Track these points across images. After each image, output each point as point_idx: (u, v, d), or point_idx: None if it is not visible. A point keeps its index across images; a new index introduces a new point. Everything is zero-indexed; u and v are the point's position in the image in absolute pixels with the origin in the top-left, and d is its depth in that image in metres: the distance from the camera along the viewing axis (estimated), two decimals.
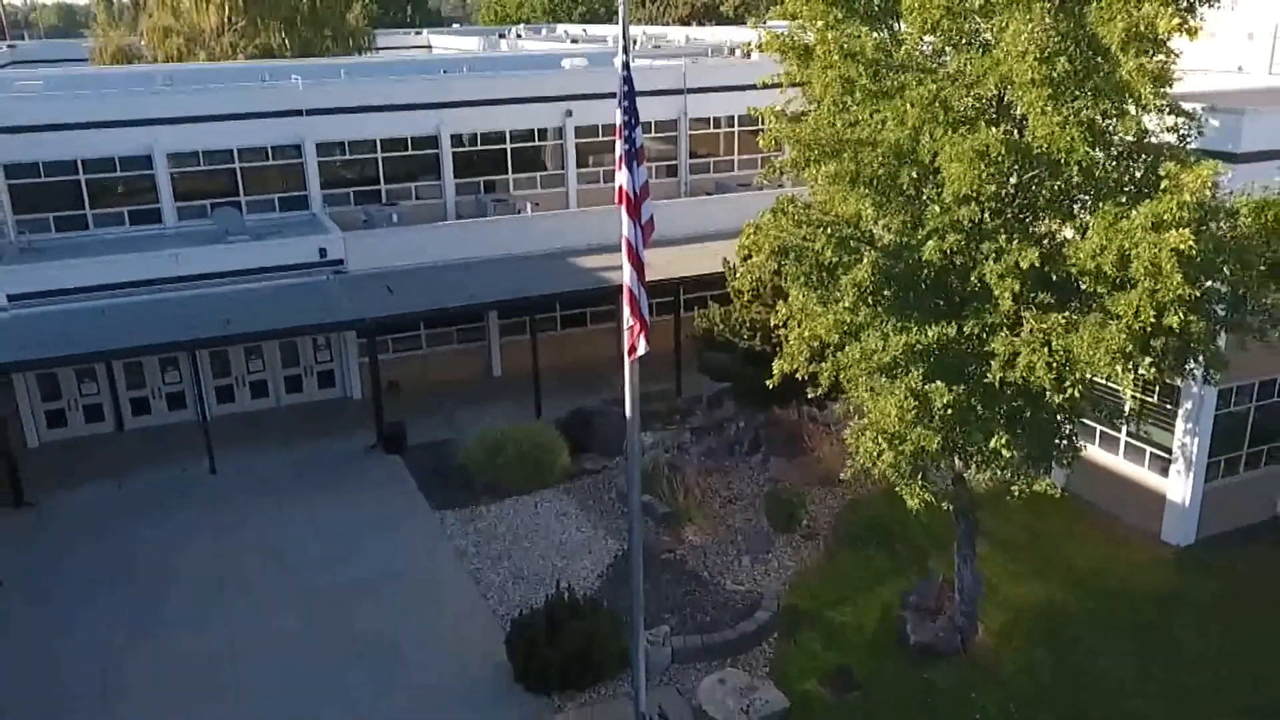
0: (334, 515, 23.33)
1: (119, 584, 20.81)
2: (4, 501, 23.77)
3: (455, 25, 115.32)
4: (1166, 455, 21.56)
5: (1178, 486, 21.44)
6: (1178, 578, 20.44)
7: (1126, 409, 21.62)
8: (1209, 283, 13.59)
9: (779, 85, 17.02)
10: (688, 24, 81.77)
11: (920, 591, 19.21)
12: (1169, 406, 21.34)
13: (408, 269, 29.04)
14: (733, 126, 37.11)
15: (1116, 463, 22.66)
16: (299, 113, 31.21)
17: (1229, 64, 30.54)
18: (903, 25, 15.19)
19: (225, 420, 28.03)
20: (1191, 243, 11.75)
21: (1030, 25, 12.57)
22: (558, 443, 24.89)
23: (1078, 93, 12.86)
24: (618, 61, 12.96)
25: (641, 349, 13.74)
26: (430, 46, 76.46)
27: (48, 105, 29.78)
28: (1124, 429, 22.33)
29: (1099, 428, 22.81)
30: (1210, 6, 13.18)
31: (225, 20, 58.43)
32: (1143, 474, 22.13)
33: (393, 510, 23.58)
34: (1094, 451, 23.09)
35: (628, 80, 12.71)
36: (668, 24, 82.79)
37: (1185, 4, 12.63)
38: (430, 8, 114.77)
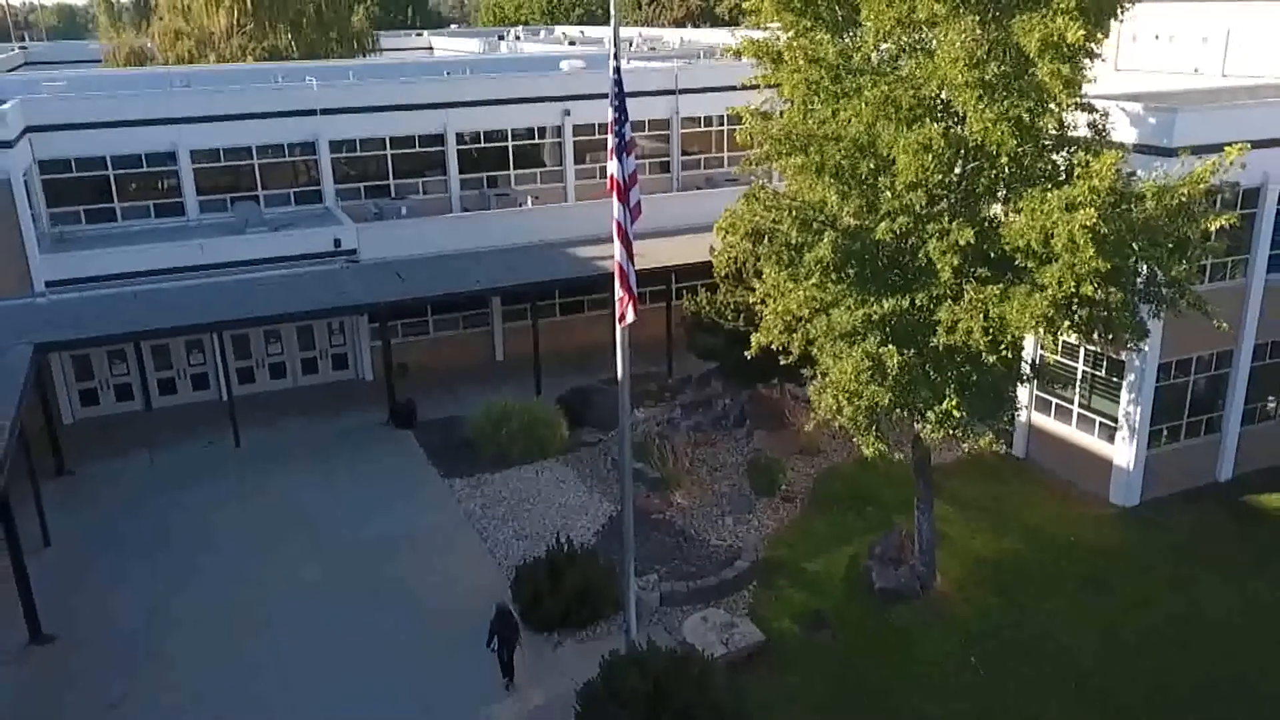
0: (352, 482, 25.37)
1: (158, 539, 22.89)
2: (45, 472, 25.67)
3: (453, 26, 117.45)
4: (1113, 424, 23.60)
5: (1123, 452, 23.47)
6: (1117, 532, 22.49)
7: (1078, 376, 23.75)
8: (1129, 259, 15.58)
9: (757, 86, 19.03)
10: (683, 26, 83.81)
11: (885, 543, 21.23)
12: (1115, 379, 23.38)
13: (416, 258, 31.12)
14: (722, 125, 39.08)
15: (1070, 432, 24.70)
16: (314, 112, 33.23)
17: (1187, 65, 32.57)
18: (860, 33, 17.15)
19: (246, 400, 29.88)
20: (1095, 220, 13.76)
21: (963, 35, 14.61)
22: (557, 417, 26.93)
23: (1005, 93, 14.88)
24: (612, 61, 15.00)
25: (630, 317, 15.84)
26: (431, 48, 78.51)
27: (78, 105, 31.75)
28: (1076, 400, 24.43)
29: (1055, 400, 24.93)
30: (1115, 20, 15.16)
31: (234, 23, 60.41)
32: (1093, 441, 24.15)
33: (406, 478, 25.61)
34: (1050, 422, 25.19)
35: (618, 82, 14.75)
36: (663, 26, 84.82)
37: (1092, 19, 14.60)
38: (430, 9, 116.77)
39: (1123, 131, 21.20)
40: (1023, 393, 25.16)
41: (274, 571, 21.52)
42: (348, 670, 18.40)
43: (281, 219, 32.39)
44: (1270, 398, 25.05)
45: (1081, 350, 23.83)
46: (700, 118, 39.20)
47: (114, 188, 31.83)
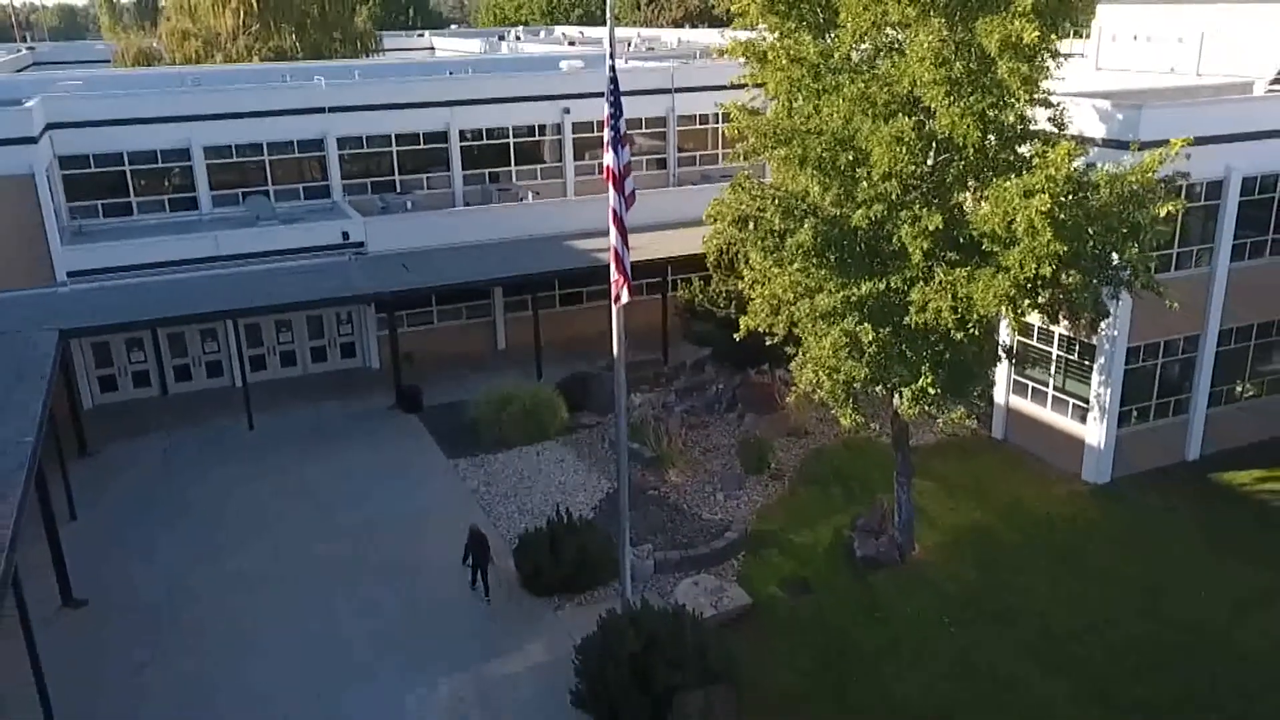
0: (362, 461, 26.64)
1: (178, 515, 24.13)
2: (69, 453, 26.89)
3: (453, 26, 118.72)
4: (1085, 405, 24.82)
5: (1094, 432, 24.70)
6: (1090, 508, 23.72)
7: (1052, 359, 24.95)
8: (1086, 243, 16.81)
9: (745, 86, 20.28)
10: (681, 26, 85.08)
11: (867, 516, 22.47)
12: (1086, 363, 24.62)
13: (421, 250, 32.36)
14: (717, 122, 40.30)
15: (1045, 413, 25.93)
16: (322, 110, 34.50)
17: (1164, 65, 33.86)
18: (839, 34, 18.36)
19: (257, 386, 30.96)
20: (1051, 206, 15.01)
21: (931, 36, 15.86)
22: (557, 400, 28.19)
23: (970, 89, 16.14)
24: (608, 60, 16.26)
25: (625, 297, 17.13)
26: (433, 48, 79.70)
27: (96, 103, 32.99)
28: (1050, 383, 25.68)
29: (1031, 383, 26.19)
30: (1068, 24, 16.42)
31: (240, 24, 61.62)
32: (1066, 422, 25.39)
33: (413, 458, 26.89)
34: (1026, 404, 26.44)
35: (613, 79, 16.00)
36: (662, 26, 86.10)
37: (1049, 21, 15.82)
38: (430, 9, 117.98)
39: (1093, 126, 22.50)
40: (1000, 376, 26.47)
41: (287, 544, 22.75)
42: (357, 635, 19.60)
43: (291, 213, 33.62)
44: (1236, 381, 26.27)
45: (1055, 335, 25.07)
46: (696, 116, 40.43)
47: (130, 183, 33.08)
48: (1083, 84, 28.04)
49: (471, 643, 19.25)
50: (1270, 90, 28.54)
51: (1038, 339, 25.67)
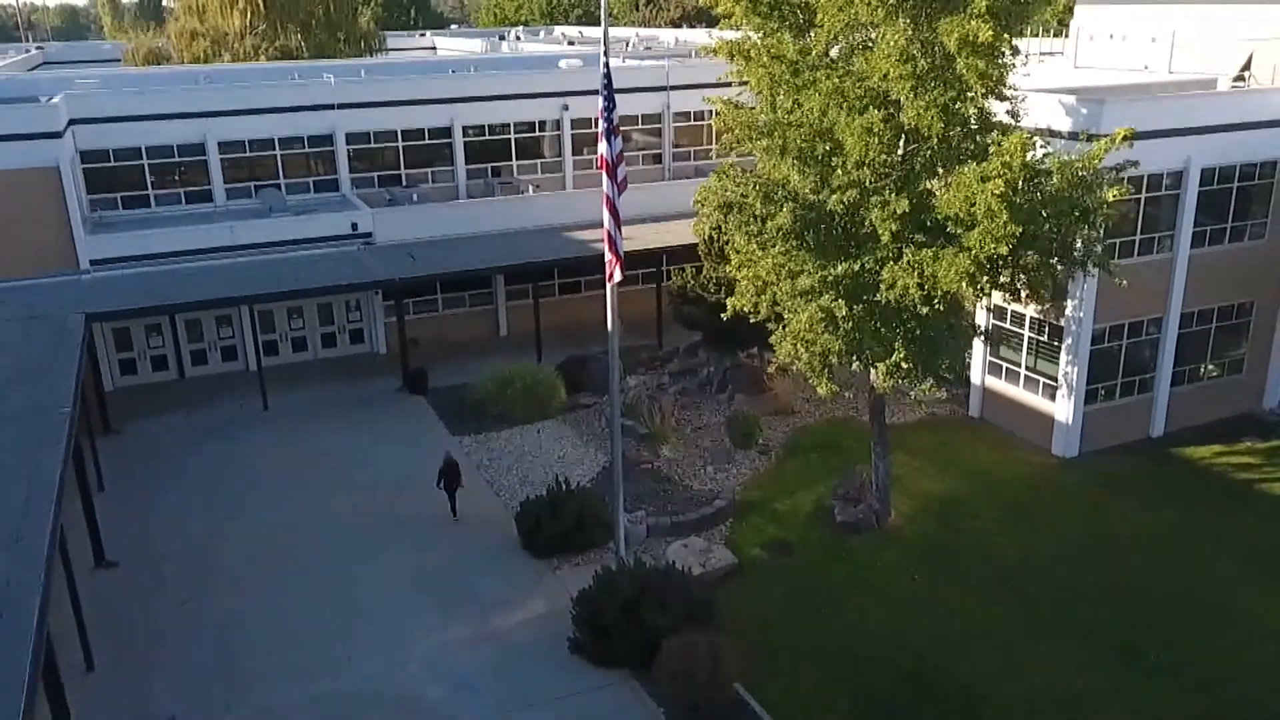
0: (372, 438, 28.14)
1: (203, 482, 25.75)
2: (95, 430, 28.38)
3: (454, 26, 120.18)
4: (1054, 384, 26.31)
5: (1063, 409, 26.20)
6: (1053, 477, 25.28)
7: (1024, 341, 26.43)
8: (1042, 225, 18.30)
9: (730, 83, 21.76)
10: (679, 26, 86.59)
11: (846, 485, 23.96)
12: (1055, 343, 26.11)
13: (427, 241, 33.89)
14: (711, 118, 41.70)
15: (1017, 392, 27.44)
16: (331, 107, 35.99)
17: (1138, 63, 35.33)
18: (816, 34, 19.86)
19: (270, 370, 32.40)
20: (1004, 190, 16.51)
21: (897, 35, 17.36)
22: (556, 381, 29.69)
23: (934, 84, 17.63)
24: (602, 58, 17.76)
25: (618, 276, 18.68)
26: (435, 48, 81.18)
27: (115, 100, 34.49)
28: (1023, 363, 27.17)
29: (1005, 364, 27.69)
30: (1023, 24, 17.92)
31: (247, 24, 63.16)
32: (1037, 400, 26.89)
33: (420, 435, 28.37)
34: (1000, 384, 27.95)
35: (607, 74, 17.51)
36: (661, 26, 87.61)
37: (1003, 21, 17.29)
38: (432, 9, 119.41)
39: (1060, 120, 23.98)
40: (976, 357, 27.99)
41: (306, 511, 24.28)
42: (375, 588, 21.19)
43: (302, 205, 35.12)
44: (1198, 361, 27.74)
45: (1026, 317, 26.56)
46: (690, 112, 41.87)
47: (148, 176, 34.56)
48: (1061, 81, 29.60)
49: (476, 594, 20.75)
50: (1233, 87, 30.04)
51: (1010, 321, 27.16)
